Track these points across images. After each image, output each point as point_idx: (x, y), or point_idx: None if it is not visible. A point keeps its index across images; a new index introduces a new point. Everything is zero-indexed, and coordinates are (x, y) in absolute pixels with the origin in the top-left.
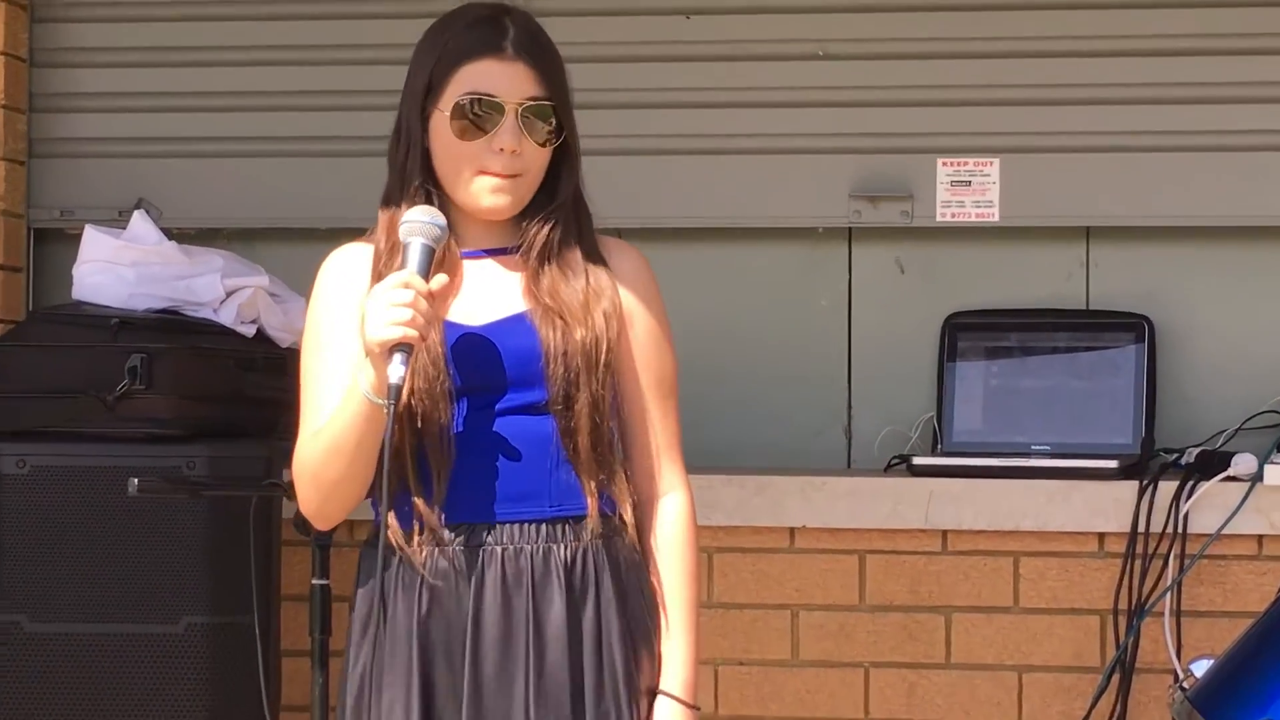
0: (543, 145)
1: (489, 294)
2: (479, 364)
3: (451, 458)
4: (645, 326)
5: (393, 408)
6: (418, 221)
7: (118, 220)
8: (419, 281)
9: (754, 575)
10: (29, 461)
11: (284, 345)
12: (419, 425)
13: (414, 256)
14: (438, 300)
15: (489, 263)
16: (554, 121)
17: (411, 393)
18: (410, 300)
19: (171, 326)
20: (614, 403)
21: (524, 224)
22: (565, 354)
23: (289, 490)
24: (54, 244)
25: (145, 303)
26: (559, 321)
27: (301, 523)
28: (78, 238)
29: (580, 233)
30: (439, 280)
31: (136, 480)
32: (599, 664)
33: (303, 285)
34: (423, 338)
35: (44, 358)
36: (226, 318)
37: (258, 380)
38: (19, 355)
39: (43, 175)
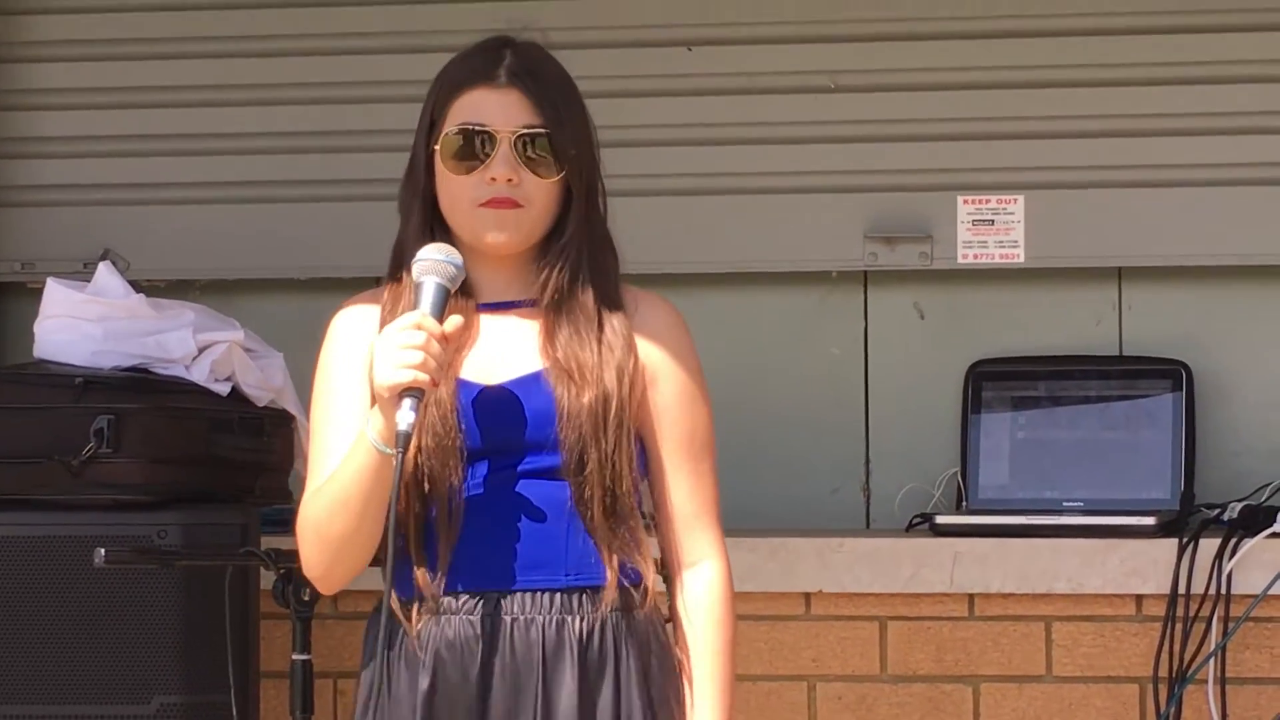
0: (544, 177)
1: (506, 349)
2: (495, 424)
3: (460, 523)
4: (674, 384)
5: (402, 456)
6: (432, 260)
7: (82, 272)
8: (431, 323)
9: (768, 644)
10: None
11: (260, 404)
12: (426, 488)
13: (427, 296)
14: (451, 347)
15: (508, 317)
16: (554, 151)
17: (419, 451)
18: (422, 342)
19: (140, 385)
20: (640, 465)
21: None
22: (578, 415)
23: (266, 559)
24: (15, 298)
25: (112, 360)
26: (572, 382)
27: (281, 593)
28: (40, 291)
29: (595, 276)
30: (453, 322)
31: (104, 550)
32: None
33: (280, 339)
34: (434, 382)
35: (3, 420)
36: (199, 375)
37: (233, 442)
38: None
39: (2, 225)
